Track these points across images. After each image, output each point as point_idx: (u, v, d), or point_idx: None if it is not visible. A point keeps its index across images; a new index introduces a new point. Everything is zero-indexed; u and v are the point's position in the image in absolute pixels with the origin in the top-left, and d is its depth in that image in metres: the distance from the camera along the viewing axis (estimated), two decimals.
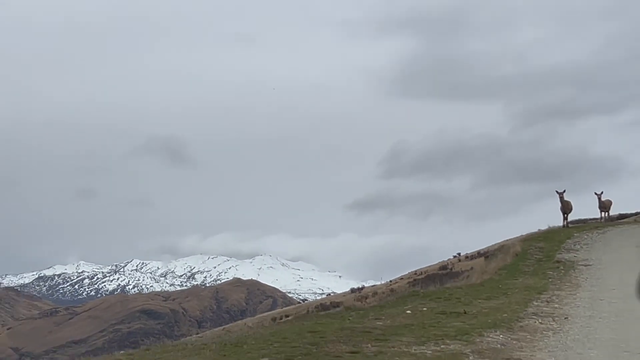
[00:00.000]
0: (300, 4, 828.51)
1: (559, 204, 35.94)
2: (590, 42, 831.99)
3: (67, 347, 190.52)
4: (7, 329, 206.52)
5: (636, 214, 42.42)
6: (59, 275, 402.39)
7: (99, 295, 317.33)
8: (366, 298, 35.79)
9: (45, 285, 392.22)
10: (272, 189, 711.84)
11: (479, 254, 43.30)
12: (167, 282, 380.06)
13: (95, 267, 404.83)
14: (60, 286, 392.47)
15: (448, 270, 42.35)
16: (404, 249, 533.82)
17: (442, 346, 13.07)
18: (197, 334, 50.35)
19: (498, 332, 14.53)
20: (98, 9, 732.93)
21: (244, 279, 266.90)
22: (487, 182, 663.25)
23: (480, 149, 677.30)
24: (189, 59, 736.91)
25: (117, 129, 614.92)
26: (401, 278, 50.33)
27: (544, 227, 36.11)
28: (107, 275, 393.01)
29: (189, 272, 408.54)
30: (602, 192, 37.50)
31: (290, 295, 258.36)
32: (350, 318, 16.73)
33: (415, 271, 50.92)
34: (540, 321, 16.11)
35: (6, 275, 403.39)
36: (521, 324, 15.77)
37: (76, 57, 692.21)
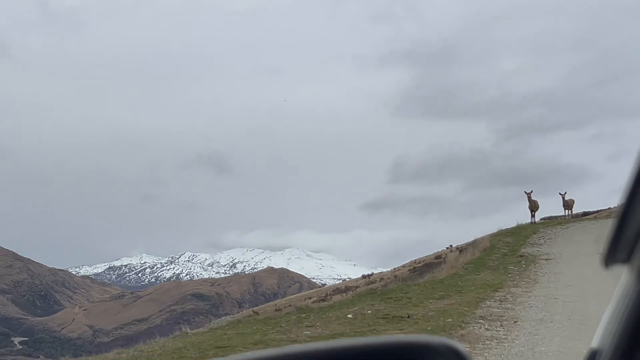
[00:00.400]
0: (319, 42, 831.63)
1: (527, 203, 33.88)
2: (559, 70, 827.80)
3: (132, 325, 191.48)
4: (84, 310, 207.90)
5: (597, 211, 41.59)
6: (125, 266, 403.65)
7: (158, 282, 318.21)
8: (357, 288, 34.71)
9: (114, 274, 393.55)
10: (299, 193, 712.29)
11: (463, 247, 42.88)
12: (213, 271, 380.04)
13: (155, 259, 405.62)
14: (126, 274, 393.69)
15: (442, 259, 42.15)
16: (406, 242, 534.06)
17: None
18: (238, 312, 50.48)
19: None
20: (154, 47, 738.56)
21: (276, 267, 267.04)
22: (474, 186, 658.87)
23: (468, 159, 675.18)
24: (230, 88, 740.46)
25: (173, 146, 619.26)
26: (403, 266, 50.07)
27: (520, 223, 33.67)
28: (165, 265, 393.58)
29: (231, 262, 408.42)
30: (565, 192, 35.50)
31: (314, 280, 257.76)
32: (283, 324, 14.18)
33: (415, 260, 50.60)
34: (486, 327, 13.02)
35: (82, 265, 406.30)
36: (464, 331, 12.61)
37: (141, 87, 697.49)
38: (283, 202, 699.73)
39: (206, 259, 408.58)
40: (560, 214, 37.72)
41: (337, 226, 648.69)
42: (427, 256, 50.20)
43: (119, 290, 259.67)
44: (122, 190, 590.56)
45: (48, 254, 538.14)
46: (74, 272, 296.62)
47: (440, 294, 16.96)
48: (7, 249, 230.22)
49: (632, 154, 1.64)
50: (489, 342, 11.72)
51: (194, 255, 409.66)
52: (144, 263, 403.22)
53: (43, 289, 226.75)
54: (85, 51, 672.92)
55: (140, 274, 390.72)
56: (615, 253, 1.66)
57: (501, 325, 13.11)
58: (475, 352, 10.95)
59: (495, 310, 14.67)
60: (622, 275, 1.75)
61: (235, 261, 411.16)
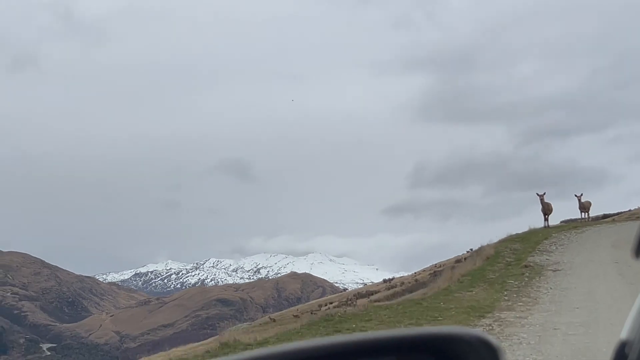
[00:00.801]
0: (341, 50, 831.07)
1: (540, 206, 32.91)
2: (578, 73, 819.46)
3: (158, 330, 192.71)
4: (110, 316, 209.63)
5: (617, 214, 41.02)
6: (151, 272, 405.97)
7: (183, 288, 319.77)
8: (371, 294, 34.31)
9: (140, 280, 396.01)
10: (321, 199, 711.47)
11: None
12: (237, 276, 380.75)
13: (180, 265, 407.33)
14: (152, 281, 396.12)
15: (462, 263, 41.94)
16: (427, 246, 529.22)
17: None
18: (262, 317, 50.77)
19: None
20: (178, 56, 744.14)
21: (299, 272, 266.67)
22: (494, 190, 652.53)
23: (488, 163, 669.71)
24: (252, 95, 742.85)
25: (196, 153, 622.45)
26: (424, 270, 49.99)
27: (532, 227, 32.26)
28: (190, 271, 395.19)
29: (255, 267, 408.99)
30: (581, 194, 34.31)
31: (336, 285, 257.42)
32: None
33: (436, 264, 50.50)
34: None
35: (109, 272, 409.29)
36: None
37: (165, 95, 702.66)
38: (306, 207, 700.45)
39: (230, 265, 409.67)
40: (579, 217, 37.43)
41: (359, 231, 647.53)
42: (447, 260, 50.09)
43: (145, 296, 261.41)
44: (147, 198, 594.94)
45: (75, 262, 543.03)
46: (100, 279, 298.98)
47: (409, 322, 14.02)
48: (35, 257, 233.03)
49: None
50: None
51: (218, 261, 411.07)
52: (170, 269, 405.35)
53: (71, 295, 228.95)
54: (110, 61, 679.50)
55: (165, 280, 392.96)
56: None
57: None
58: None
59: None
60: None
61: (259, 266, 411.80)
